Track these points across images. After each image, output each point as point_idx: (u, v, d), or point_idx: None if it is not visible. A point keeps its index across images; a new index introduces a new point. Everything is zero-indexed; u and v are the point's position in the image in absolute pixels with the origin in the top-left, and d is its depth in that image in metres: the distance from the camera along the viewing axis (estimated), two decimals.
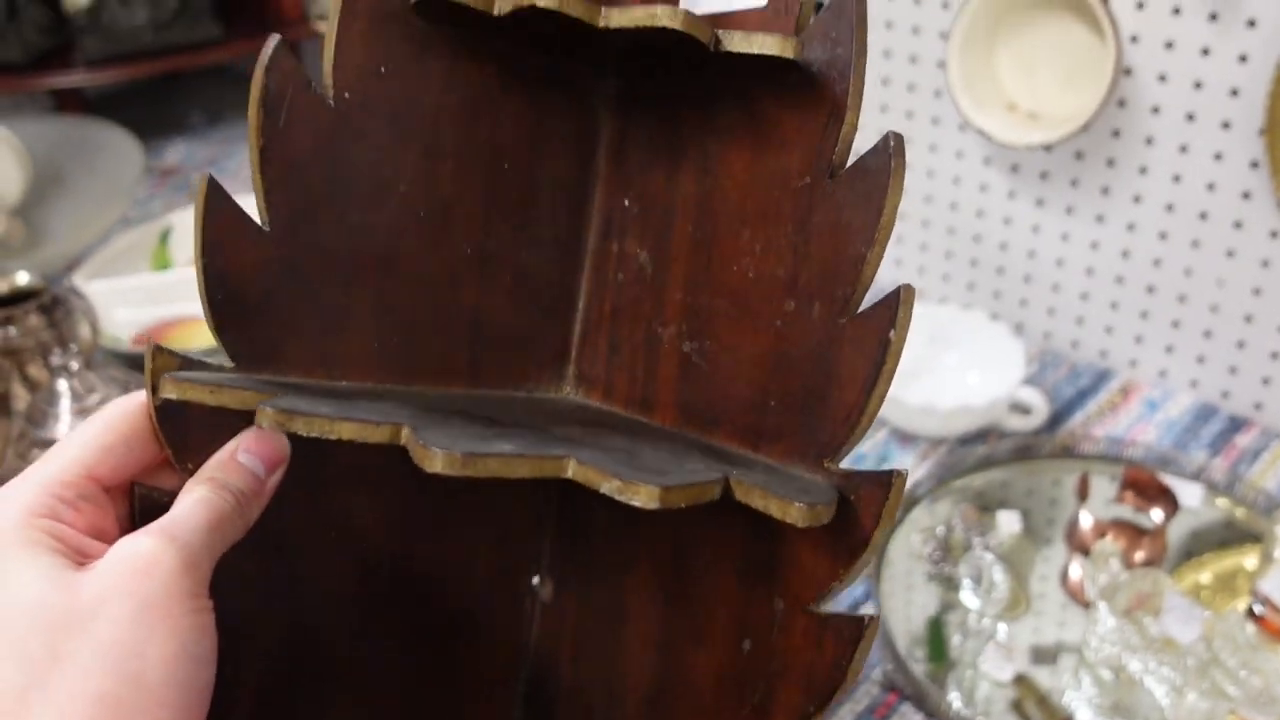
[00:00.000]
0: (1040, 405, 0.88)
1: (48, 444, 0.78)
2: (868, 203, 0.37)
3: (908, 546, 0.78)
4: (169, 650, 0.31)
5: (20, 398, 0.86)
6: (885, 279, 1.15)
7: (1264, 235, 0.84)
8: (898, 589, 0.75)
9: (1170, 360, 0.94)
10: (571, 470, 0.35)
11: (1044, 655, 0.69)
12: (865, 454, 0.90)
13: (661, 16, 0.37)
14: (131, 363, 1.01)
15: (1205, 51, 0.81)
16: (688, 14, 0.37)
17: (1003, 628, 0.70)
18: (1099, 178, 0.91)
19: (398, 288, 0.43)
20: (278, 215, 0.39)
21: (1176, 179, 0.87)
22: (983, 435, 0.89)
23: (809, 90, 0.39)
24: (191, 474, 0.36)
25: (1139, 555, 0.74)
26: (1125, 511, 0.78)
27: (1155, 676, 0.63)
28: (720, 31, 0.39)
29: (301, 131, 0.39)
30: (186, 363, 0.37)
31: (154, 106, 1.63)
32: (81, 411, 0.78)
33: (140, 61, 1.39)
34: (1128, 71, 0.85)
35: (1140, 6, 0.82)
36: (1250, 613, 0.69)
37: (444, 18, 0.42)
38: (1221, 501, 0.80)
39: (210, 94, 1.67)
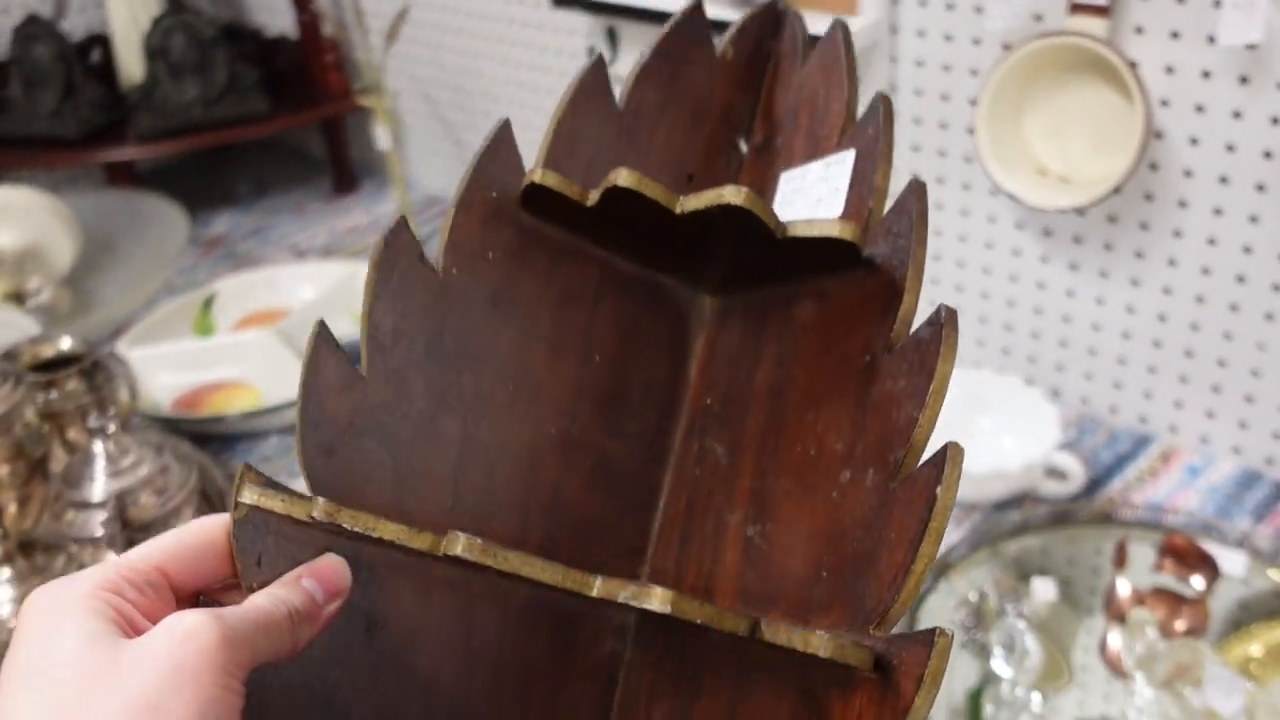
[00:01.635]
0: (1076, 470, 0.87)
1: (83, 505, 0.79)
2: (920, 370, 0.38)
3: (942, 614, 0.76)
4: (190, 712, 0.31)
5: (59, 460, 0.88)
6: None
7: None
8: None
9: (1212, 425, 0.92)
10: (597, 588, 0.36)
11: None
12: None
13: (727, 195, 0.40)
14: (170, 427, 1.03)
15: (1237, 114, 0.81)
16: (750, 192, 0.40)
17: (1037, 698, 0.68)
18: (1133, 241, 0.90)
19: (479, 453, 0.44)
20: (376, 367, 0.42)
21: (1212, 242, 0.86)
22: (1018, 501, 0.88)
23: (873, 279, 0.42)
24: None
25: (1179, 625, 0.71)
26: (1165, 579, 0.76)
27: None
28: (786, 221, 0.42)
29: (409, 296, 0.43)
30: (270, 484, 0.39)
31: (202, 179, 1.68)
32: (116, 474, 0.80)
33: (190, 135, 1.44)
34: (1158, 135, 0.85)
35: (1169, 71, 0.82)
36: None
37: (549, 214, 0.45)
38: (1270, 571, 0.78)
39: (257, 167, 1.72)
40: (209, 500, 0.94)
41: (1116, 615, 0.73)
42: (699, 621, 0.35)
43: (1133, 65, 0.81)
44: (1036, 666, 0.66)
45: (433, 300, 0.43)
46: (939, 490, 0.35)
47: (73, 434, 0.90)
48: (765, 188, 0.48)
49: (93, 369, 0.89)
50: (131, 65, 1.49)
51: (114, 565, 0.35)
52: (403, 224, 0.43)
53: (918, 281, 0.40)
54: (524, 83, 1.34)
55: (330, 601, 0.38)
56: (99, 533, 0.78)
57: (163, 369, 1.12)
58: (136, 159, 1.48)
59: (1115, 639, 0.72)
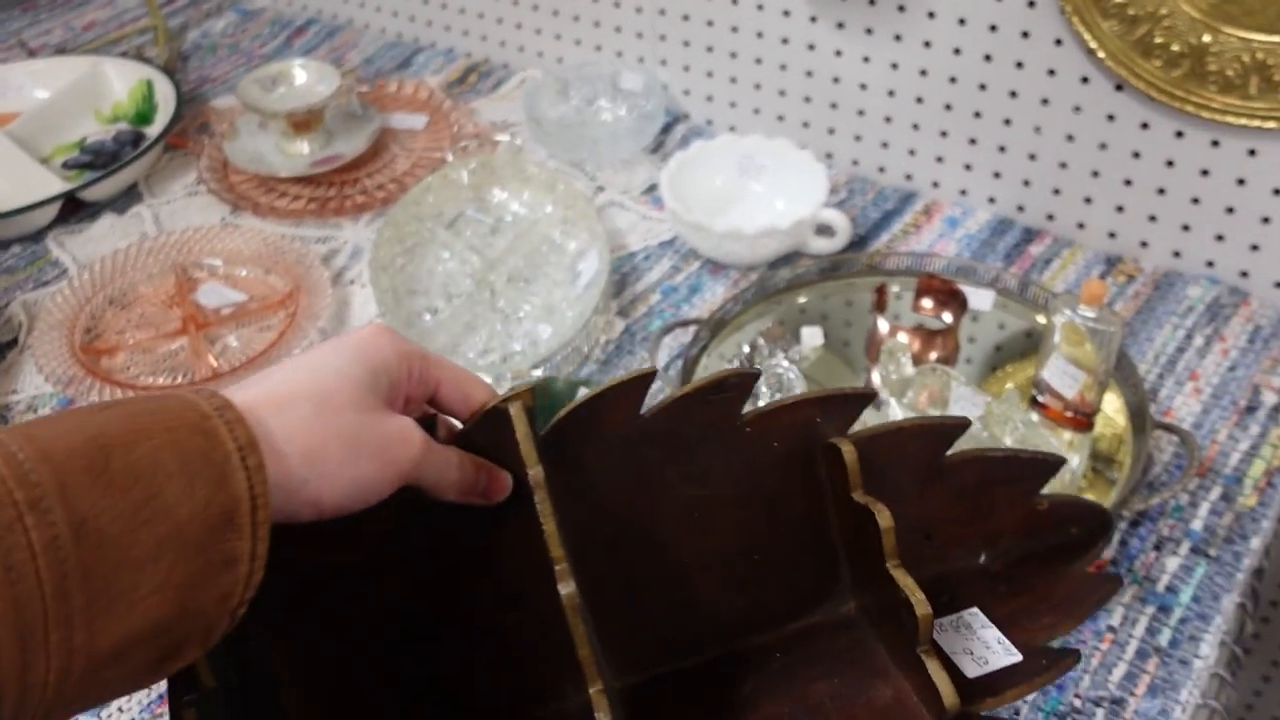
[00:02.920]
0: (844, 226, 0.89)
1: None
2: None
3: (715, 367, 0.78)
4: (367, 470, 0.41)
5: None
6: (697, 119, 1.12)
7: (1049, 44, 0.85)
8: None
9: (969, 178, 0.96)
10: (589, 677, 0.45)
11: None
12: (676, 285, 0.89)
13: (898, 576, 0.47)
14: None
15: None
16: (925, 602, 0.46)
17: None
18: None
19: (681, 540, 0.51)
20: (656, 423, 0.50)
21: None
22: (790, 260, 0.90)
23: None
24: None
25: (932, 355, 0.76)
26: (921, 319, 0.81)
27: None
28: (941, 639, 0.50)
29: (718, 439, 0.50)
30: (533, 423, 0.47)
31: None
32: None
33: None
34: None
35: None
36: (1033, 401, 0.72)
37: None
38: (1013, 305, 0.83)
39: None
40: None
41: (876, 354, 0.76)
42: None
43: None
44: None
45: (735, 443, 0.50)
46: None
47: None
48: (967, 597, 0.54)
49: None
50: None
51: (429, 357, 0.45)
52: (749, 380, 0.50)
53: None
54: None
55: (488, 496, 0.46)
56: None
57: None
58: None
59: (875, 376, 0.76)
